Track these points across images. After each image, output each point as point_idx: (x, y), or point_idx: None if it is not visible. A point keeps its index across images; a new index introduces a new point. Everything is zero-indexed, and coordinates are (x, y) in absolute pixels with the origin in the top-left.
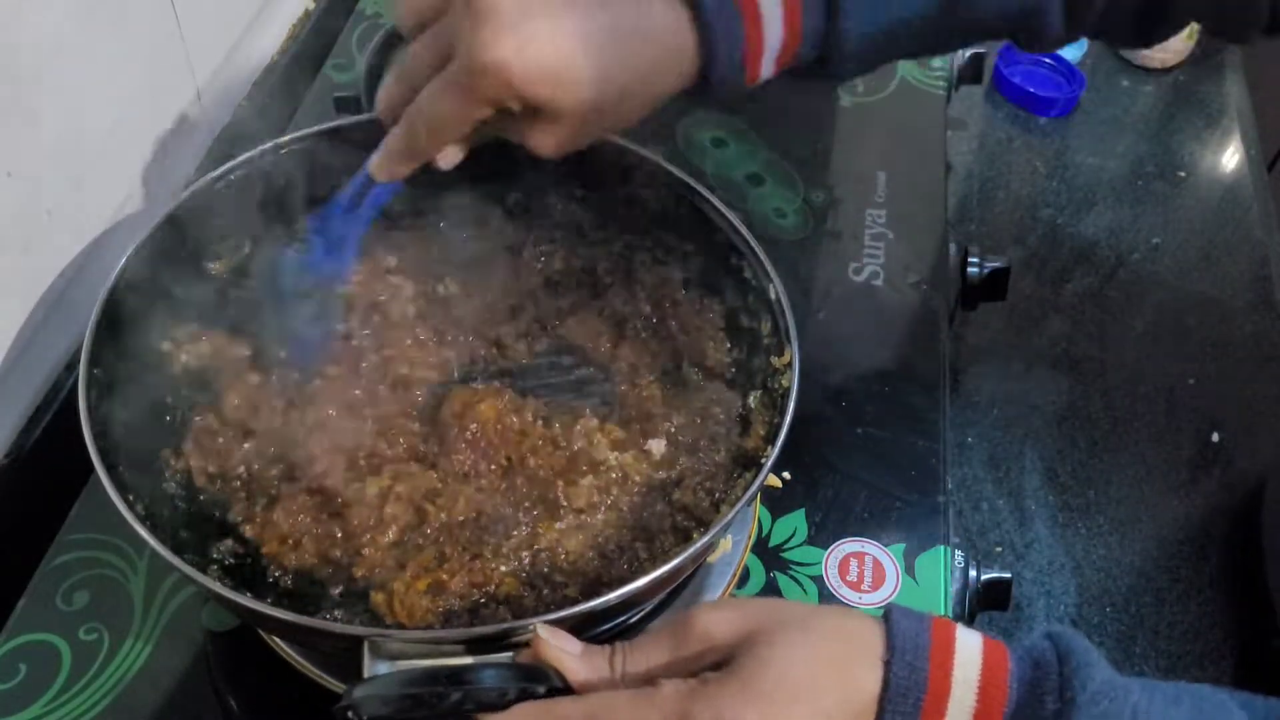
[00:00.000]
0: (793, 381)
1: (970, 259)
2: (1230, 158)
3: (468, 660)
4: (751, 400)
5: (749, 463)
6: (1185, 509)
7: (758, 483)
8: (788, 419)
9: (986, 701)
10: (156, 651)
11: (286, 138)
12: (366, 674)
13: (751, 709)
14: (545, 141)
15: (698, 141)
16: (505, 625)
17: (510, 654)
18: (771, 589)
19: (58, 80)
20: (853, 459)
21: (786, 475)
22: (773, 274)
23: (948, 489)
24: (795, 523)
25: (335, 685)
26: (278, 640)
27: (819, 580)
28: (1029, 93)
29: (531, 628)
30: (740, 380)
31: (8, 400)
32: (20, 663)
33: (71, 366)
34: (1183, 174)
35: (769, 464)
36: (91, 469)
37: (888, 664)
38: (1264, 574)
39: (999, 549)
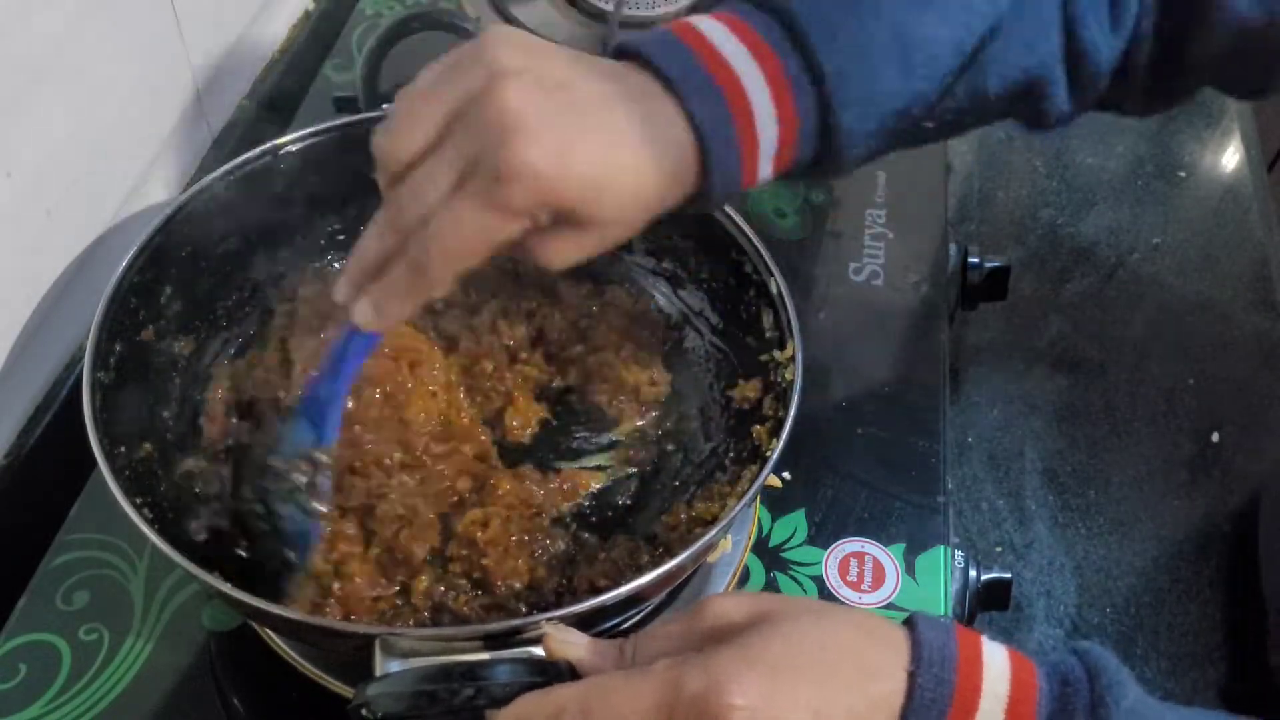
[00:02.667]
0: (796, 375)
1: (970, 259)
2: (1230, 158)
3: (482, 656)
4: (754, 393)
5: (753, 457)
6: (1185, 509)
7: (761, 478)
8: (792, 412)
9: (1015, 718)
10: (156, 651)
11: (286, 138)
12: (378, 672)
13: (751, 674)
14: (563, 252)
15: None
16: (514, 623)
17: (522, 650)
18: (771, 589)
19: (58, 80)
20: (853, 459)
21: (786, 475)
22: (773, 268)
23: (948, 489)
24: (795, 523)
25: (336, 685)
26: (278, 640)
27: (819, 580)
28: None
29: (541, 623)
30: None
31: (8, 400)
32: (20, 663)
33: (71, 366)
34: (1183, 174)
35: (774, 457)
36: (91, 469)
37: (912, 675)
38: (1260, 581)
39: (999, 549)
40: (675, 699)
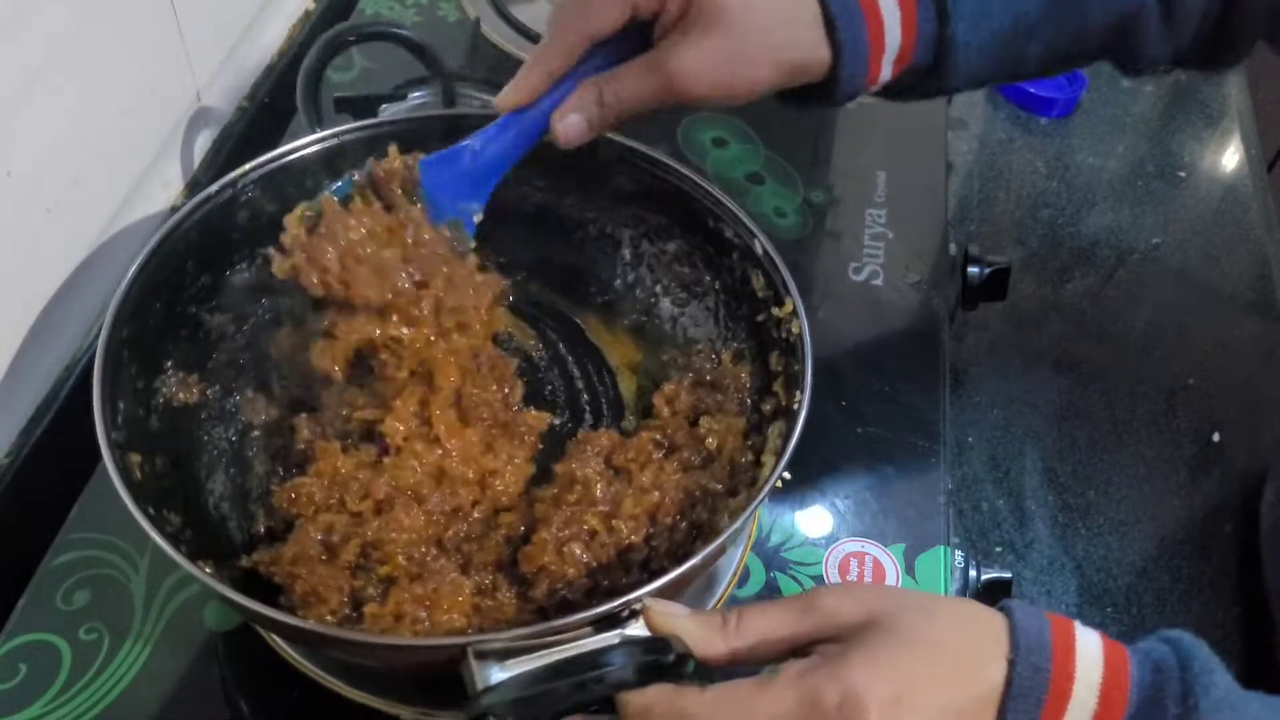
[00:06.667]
0: (803, 327)
1: (970, 259)
2: (1230, 158)
3: (585, 647)
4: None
5: (774, 416)
6: (1185, 509)
7: (784, 458)
8: (809, 363)
9: (1107, 704)
10: (156, 651)
11: (287, 143)
12: (480, 684)
13: (882, 682)
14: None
15: (698, 141)
16: (605, 609)
17: (616, 633)
18: (771, 589)
19: (58, 80)
20: (853, 459)
21: (787, 475)
22: (754, 229)
23: (948, 489)
24: (795, 523)
25: (337, 685)
26: (278, 640)
27: (819, 580)
28: (1029, 93)
29: (641, 599)
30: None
31: (8, 400)
32: (20, 663)
33: (72, 367)
34: (1183, 174)
35: (803, 410)
36: (91, 469)
37: (1012, 662)
38: (1262, 574)
39: (999, 549)
40: (811, 712)
